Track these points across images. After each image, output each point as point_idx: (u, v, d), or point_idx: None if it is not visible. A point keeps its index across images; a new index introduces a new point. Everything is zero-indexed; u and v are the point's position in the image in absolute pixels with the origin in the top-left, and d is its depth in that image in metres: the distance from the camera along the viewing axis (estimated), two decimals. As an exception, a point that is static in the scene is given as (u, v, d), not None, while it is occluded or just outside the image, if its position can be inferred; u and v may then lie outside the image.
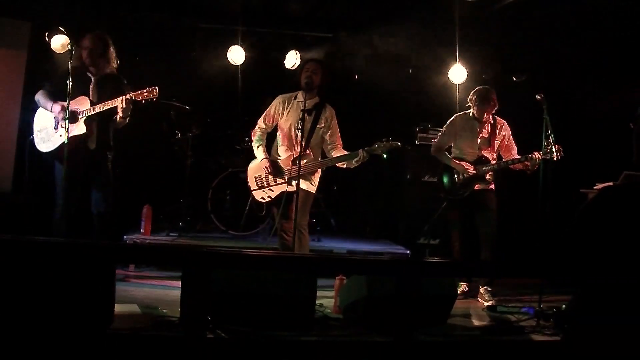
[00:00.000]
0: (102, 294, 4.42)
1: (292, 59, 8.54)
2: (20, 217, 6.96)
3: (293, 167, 5.90)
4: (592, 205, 2.59)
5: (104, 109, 5.86)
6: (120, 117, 5.87)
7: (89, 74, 6.02)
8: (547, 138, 5.94)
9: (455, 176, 6.55)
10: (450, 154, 6.70)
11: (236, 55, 8.45)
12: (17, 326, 4.09)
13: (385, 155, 5.95)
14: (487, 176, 6.49)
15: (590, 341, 2.52)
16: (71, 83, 5.58)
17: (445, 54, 8.18)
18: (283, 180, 6.03)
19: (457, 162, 6.53)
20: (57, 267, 4.27)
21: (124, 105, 5.76)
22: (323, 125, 6.10)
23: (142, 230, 7.63)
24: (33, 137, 6.13)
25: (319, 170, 6.20)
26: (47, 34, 7.18)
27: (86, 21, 7.45)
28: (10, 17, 7.61)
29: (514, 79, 8.62)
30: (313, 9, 8.23)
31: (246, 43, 8.47)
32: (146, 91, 5.79)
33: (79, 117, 5.85)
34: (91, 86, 6.01)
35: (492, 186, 6.54)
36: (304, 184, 5.97)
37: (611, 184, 5.53)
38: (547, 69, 8.47)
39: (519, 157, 6.39)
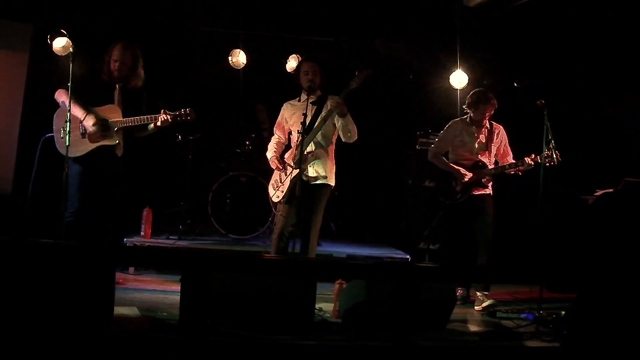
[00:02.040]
0: (101, 297, 4.42)
1: (293, 63, 8.54)
2: (20, 218, 6.96)
3: (295, 152, 5.84)
4: (591, 211, 2.60)
5: (139, 124, 5.90)
6: (153, 129, 5.98)
7: (114, 81, 5.94)
8: (548, 144, 5.94)
9: (453, 181, 6.56)
10: (447, 159, 6.70)
11: (237, 59, 8.46)
12: (15, 328, 4.09)
13: (360, 85, 5.77)
14: (485, 181, 6.50)
15: (589, 347, 2.52)
16: (94, 88, 5.62)
17: (446, 59, 8.19)
18: (291, 171, 5.86)
19: (455, 167, 6.55)
20: (56, 269, 4.27)
21: (161, 125, 5.87)
22: (329, 108, 5.88)
23: (142, 233, 7.63)
24: (50, 136, 5.89)
25: (333, 163, 6.02)
26: (48, 36, 7.18)
27: (88, 24, 7.47)
28: (12, 20, 7.63)
29: (515, 85, 8.64)
30: (315, 14, 8.24)
31: (247, 47, 8.48)
32: (184, 113, 5.89)
33: (111, 127, 5.85)
34: (116, 95, 5.95)
35: (490, 191, 6.56)
36: (313, 176, 5.85)
37: (611, 190, 5.53)
38: (549, 75, 8.48)
39: (514, 161, 6.42)
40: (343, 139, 5.96)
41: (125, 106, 5.93)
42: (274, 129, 6.27)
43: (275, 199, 6.04)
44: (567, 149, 6.14)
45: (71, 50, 5.66)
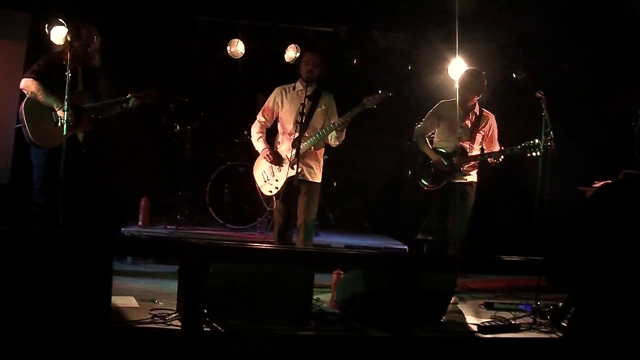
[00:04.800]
0: (99, 286, 4.42)
1: (292, 53, 8.53)
2: (18, 208, 6.95)
3: (293, 150, 5.86)
4: (591, 203, 2.59)
5: (112, 107, 5.99)
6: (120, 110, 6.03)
7: (70, 63, 5.69)
8: (546, 135, 5.91)
9: (432, 167, 6.36)
10: (432, 142, 6.54)
11: (236, 48, 8.44)
12: (13, 317, 4.09)
13: (375, 107, 5.87)
14: (464, 168, 6.28)
15: (589, 339, 2.52)
16: (60, 73, 5.56)
17: (445, 50, 8.17)
18: (285, 167, 5.96)
19: (435, 154, 6.36)
20: (54, 259, 4.27)
21: (133, 106, 5.96)
22: (323, 108, 6.07)
23: (139, 223, 7.63)
24: (21, 127, 5.78)
25: (321, 159, 6.16)
26: (46, 26, 7.17)
27: (86, 13, 7.43)
28: (11, 9, 7.60)
29: (514, 76, 8.62)
30: (313, 3, 8.21)
31: (246, 37, 8.45)
32: (148, 94, 6.03)
33: (85, 114, 5.82)
34: (79, 78, 5.90)
35: (475, 178, 6.37)
36: (307, 174, 5.97)
37: (610, 182, 5.51)
38: (548, 67, 8.46)
39: (495, 151, 6.25)
40: (329, 143, 6.11)
41: (88, 88, 5.95)
42: (261, 112, 6.25)
43: (267, 193, 6.13)
44: (565, 139, 6.13)
45: (69, 39, 5.63)
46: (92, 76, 6.06)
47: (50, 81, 5.71)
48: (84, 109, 5.83)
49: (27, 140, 5.76)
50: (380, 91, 5.84)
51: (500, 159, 6.17)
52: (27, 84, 5.72)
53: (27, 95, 5.75)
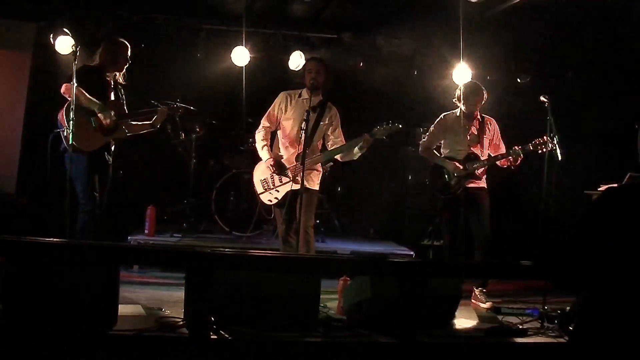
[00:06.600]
0: (106, 295, 4.42)
1: (296, 60, 8.54)
2: (23, 217, 6.97)
3: (297, 164, 5.91)
4: (597, 206, 2.59)
5: (141, 126, 6.17)
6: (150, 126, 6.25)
7: (108, 77, 6.02)
8: (552, 139, 5.92)
9: (446, 175, 6.46)
10: (439, 153, 6.62)
11: (240, 56, 8.45)
12: (20, 326, 4.09)
13: (385, 138, 5.95)
14: (478, 172, 6.38)
15: (596, 343, 2.51)
16: (96, 85, 5.66)
17: (449, 55, 8.17)
18: (288, 179, 6.01)
19: (447, 161, 6.45)
20: (60, 268, 4.27)
21: (165, 118, 6.27)
22: (327, 122, 6.10)
23: (146, 231, 7.64)
24: (59, 132, 5.78)
25: (320, 170, 6.21)
26: (51, 35, 7.20)
27: (90, 22, 7.48)
28: (15, 19, 7.64)
29: (519, 80, 8.61)
30: (317, 10, 8.23)
31: (250, 44, 8.47)
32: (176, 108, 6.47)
33: (120, 121, 5.93)
34: (110, 90, 6.02)
35: (484, 184, 6.46)
36: (307, 183, 5.97)
37: (615, 185, 5.51)
38: (552, 71, 8.45)
39: (504, 152, 6.37)
40: (343, 159, 6.19)
41: (116, 102, 6.05)
42: (266, 117, 6.25)
43: (266, 201, 6.17)
44: (570, 143, 6.12)
45: (74, 49, 5.66)
46: (121, 92, 6.16)
47: (91, 91, 5.79)
48: (120, 116, 5.94)
49: (65, 145, 5.70)
50: (390, 122, 5.87)
51: (520, 159, 6.24)
52: (68, 88, 5.67)
53: (68, 100, 5.70)
